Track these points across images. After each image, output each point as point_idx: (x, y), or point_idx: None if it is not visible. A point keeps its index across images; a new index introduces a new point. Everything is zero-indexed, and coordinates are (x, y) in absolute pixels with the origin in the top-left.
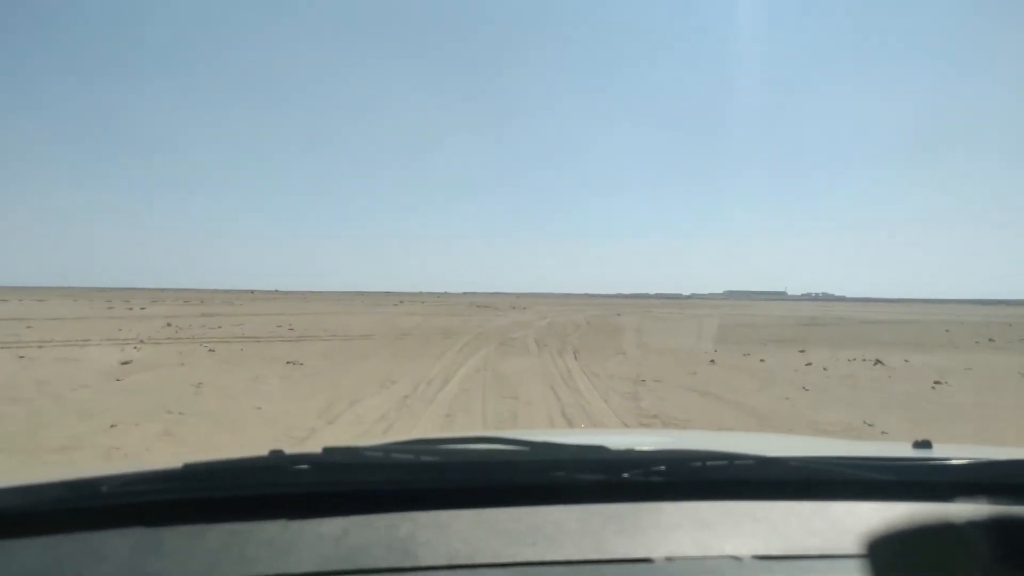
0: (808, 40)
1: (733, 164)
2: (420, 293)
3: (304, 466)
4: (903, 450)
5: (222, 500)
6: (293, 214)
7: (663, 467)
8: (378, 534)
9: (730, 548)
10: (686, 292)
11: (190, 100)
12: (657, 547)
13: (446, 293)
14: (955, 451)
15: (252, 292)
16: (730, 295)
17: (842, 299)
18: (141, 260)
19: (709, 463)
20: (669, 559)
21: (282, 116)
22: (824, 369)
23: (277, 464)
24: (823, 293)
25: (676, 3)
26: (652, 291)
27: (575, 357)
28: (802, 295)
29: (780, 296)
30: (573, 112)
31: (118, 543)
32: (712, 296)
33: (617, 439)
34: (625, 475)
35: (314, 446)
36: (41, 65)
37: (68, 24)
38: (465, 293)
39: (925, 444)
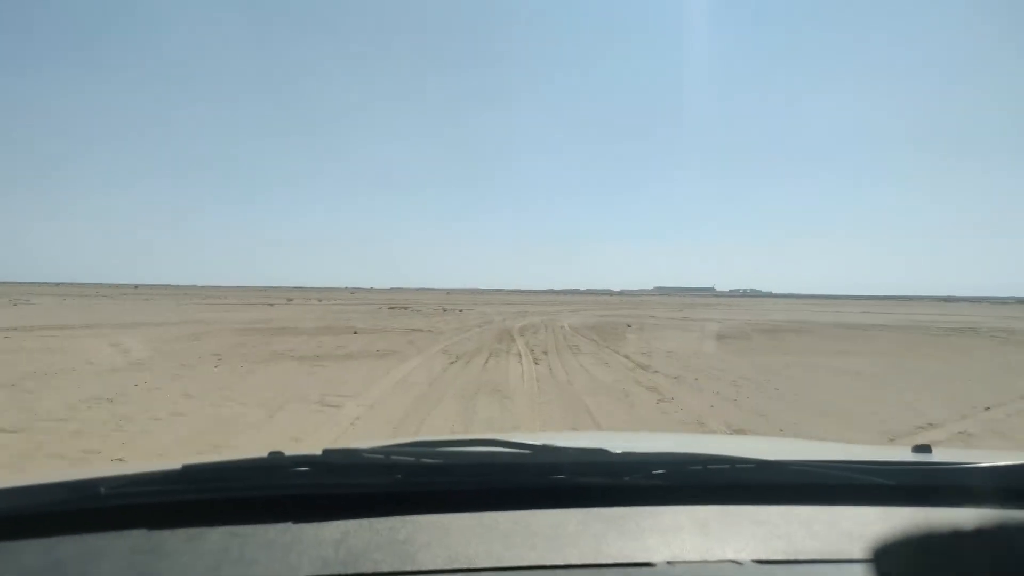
0: (742, 43)
1: (664, 165)
2: (340, 289)
3: (304, 468)
4: (903, 454)
5: (222, 502)
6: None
7: (664, 470)
8: (378, 537)
9: (731, 552)
10: (616, 288)
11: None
12: (658, 551)
13: (372, 288)
14: (955, 455)
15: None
16: (660, 291)
17: (769, 295)
18: None
19: (710, 466)
20: (670, 563)
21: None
22: None
23: (276, 465)
24: (751, 289)
25: (605, 3)
26: (583, 287)
27: None
28: (730, 291)
29: (709, 292)
30: (505, 113)
31: (118, 545)
32: (642, 292)
33: (618, 442)
34: (626, 478)
35: (314, 448)
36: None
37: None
38: (404, 289)
39: (925, 448)
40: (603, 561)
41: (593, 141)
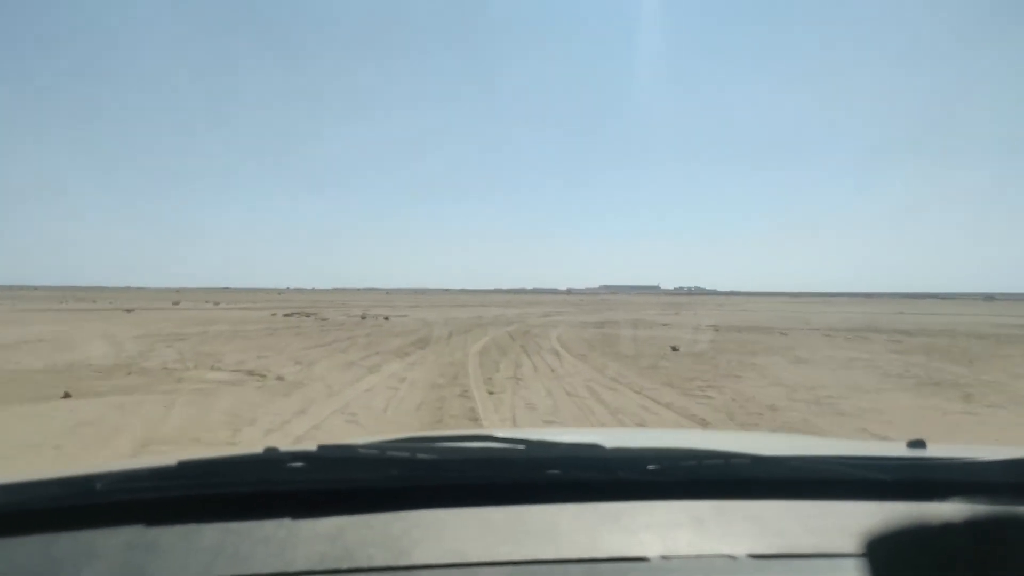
0: (687, 39)
1: (608, 164)
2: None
3: (299, 463)
4: (898, 449)
5: (217, 498)
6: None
7: (658, 465)
8: (374, 532)
9: (726, 547)
10: (562, 287)
11: None
12: (653, 546)
13: (313, 289)
14: (950, 450)
15: None
16: (605, 289)
17: (713, 292)
18: None
19: (705, 461)
20: (665, 558)
21: None
22: None
23: (272, 461)
24: (695, 287)
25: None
26: (530, 286)
27: None
28: (675, 289)
29: (654, 290)
30: (444, 108)
31: (113, 541)
32: (588, 290)
33: (612, 437)
34: (620, 473)
35: (309, 444)
36: None
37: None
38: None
39: (920, 443)
40: (597, 556)
41: (541, 139)
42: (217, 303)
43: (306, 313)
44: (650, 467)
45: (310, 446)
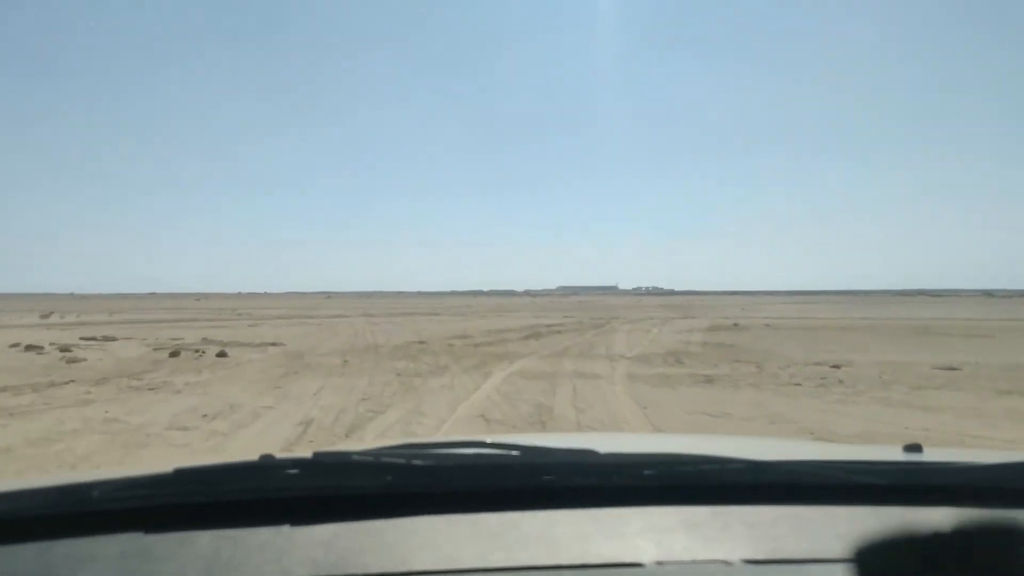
0: (642, 34)
1: (563, 163)
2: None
3: (294, 470)
4: (893, 454)
5: (213, 505)
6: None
7: (653, 471)
8: (368, 539)
9: (721, 552)
10: (519, 289)
11: None
12: (648, 551)
13: (265, 293)
14: (946, 455)
15: None
16: (563, 290)
17: (671, 292)
18: None
19: (700, 467)
20: (660, 563)
21: None
22: None
23: (267, 468)
24: (653, 287)
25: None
26: (485, 288)
27: None
28: (633, 289)
29: (612, 291)
30: (387, 108)
31: (109, 548)
32: (546, 291)
33: (607, 443)
34: (615, 479)
35: (304, 451)
36: None
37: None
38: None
39: (916, 448)
40: (592, 562)
41: (490, 138)
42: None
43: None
44: (645, 472)
45: (305, 453)
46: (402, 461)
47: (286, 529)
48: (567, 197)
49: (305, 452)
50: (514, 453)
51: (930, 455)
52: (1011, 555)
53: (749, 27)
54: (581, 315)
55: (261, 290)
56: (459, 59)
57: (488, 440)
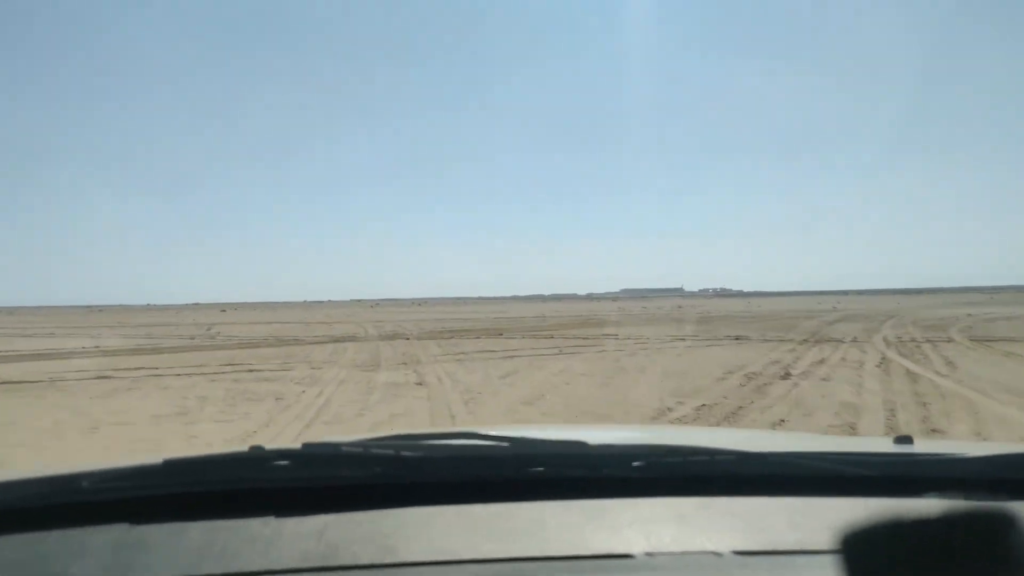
0: (694, 32)
1: (620, 163)
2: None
3: (284, 462)
4: (884, 445)
5: (203, 496)
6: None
7: (643, 462)
8: (359, 530)
9: (710, 543)
10: (581, 292)
11: None
12: (637, 542)
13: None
14: (935, 447)
15: None
16: (626, 293)
17: (739, 293)
18: None
19: (690, 458)
20: (649, 554)
21: None
22: None
23: (257, 459)
24: (720, 288)
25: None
26: (547, 292)
27: None
28: (699, 291)
29: (678, 292)
30: (448, 115)
31: (100, 539)
32: (609, 295)
33: (597, 434)
34: (605, 470)
35: (294, 442)
36: None
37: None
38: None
39: (906, 439)
40: (582, 553)
41: (549, 142)
42: None
43: None
44: (635, 464)
45: (295, 444)
46: (391, 452)
47: (276, 520)
48: (627, 199)
49: (295, 443)
50: (504, 445)
51: (920, 446)
52: (1001, 545)
53: (809, 23)
54: (718, 327)
55: (320, 298)
56: (511, 63)
57: (478, 431)
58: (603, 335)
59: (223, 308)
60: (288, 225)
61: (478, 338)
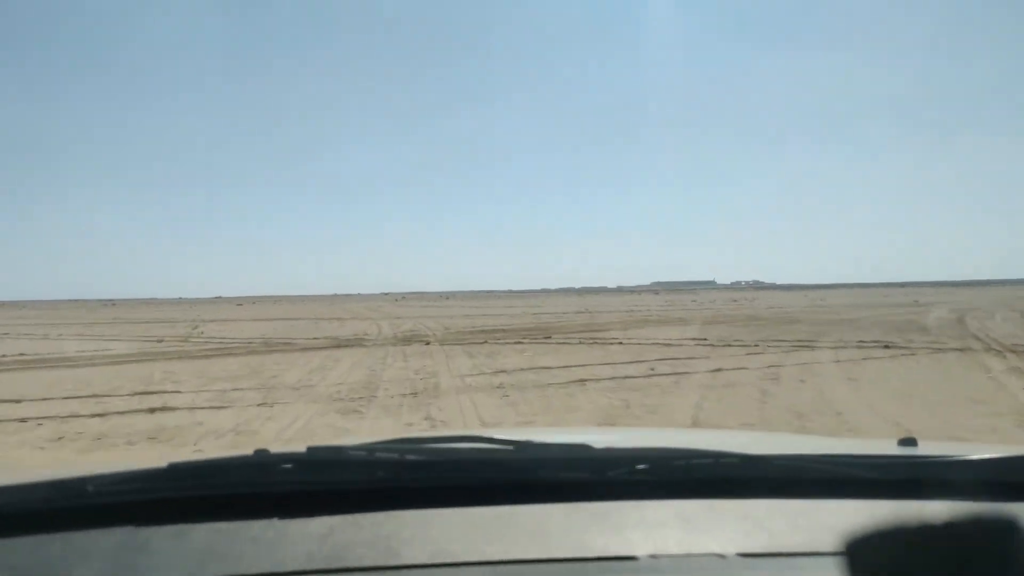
0: (720, 24)
1: (651, 156)
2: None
3: (289, 465)
4: (888, 447)
5: (207, 499)
6: None
7: (647, 465)
8: (363, 532)
9: (715, 546)
10: (611, 285)
11: None
12: (641, 545)
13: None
14: (940, 449)
15: None
16: (658, 286)
17: (772, 286)
18: None
19: (694, 461)
20: (653, 557)
21: None
22: None
23: (262, 463)
24: (753, 281)
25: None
26: (577, 285)
27: None
28: (731, 283)
29: (710, 285)
30: (479, 110)
31: (104, 542)
32: (640, 287)
33: (601, 437)
34: (609, 473)
35: (299, 445)
36: None
37: None
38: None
39: (910, 442)
40: (586, 555)
41: (578, 136)
42: None
43: None
44: (639, 467)
45: (299, 448)
46: (395, 456)
47: (280, 523)
48: (656, 191)
49: (299, 446)
50: (508, 448)
51: (924, 448)
52: (1006, 548)
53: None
54: (832, 331)
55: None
56: (540, 60)
57: (483, 435)
58: (698, 340)
59: (240, 302)
60: (319, 221)
61: (520, 343)
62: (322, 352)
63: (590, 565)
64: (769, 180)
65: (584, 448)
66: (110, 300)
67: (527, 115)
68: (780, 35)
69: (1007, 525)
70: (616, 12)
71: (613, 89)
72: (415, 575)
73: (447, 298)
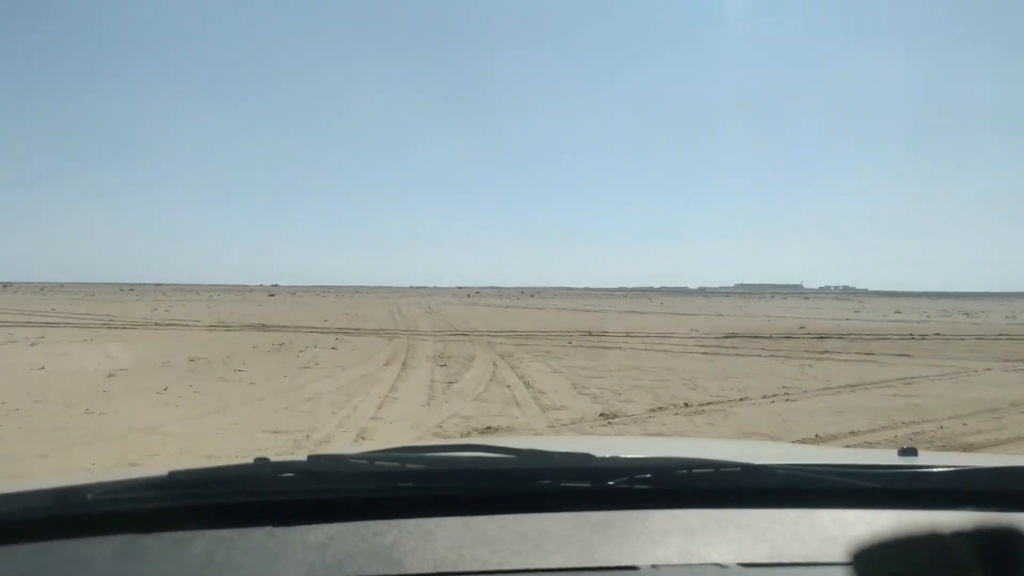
0: (802, 23)
1: (737, 156)
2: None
3: (289, 474)
4: (889, 458)
5: (208, 507)
6: None
7: (649, 475)
8: (364, 542)
9: (716, 556)
10: (693, 286)
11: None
12: (643, 555)
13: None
14: (940, 459)
15: None
16: (741, 288)
17: (864, 292)
18: None
19: (695, 471)
20: (655, 567)
21: None
22: None
23: (262, 472)
24: (843, 287)
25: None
26: (656, 285)
27: None
28: (820, 288)
29: (797, 290)
30: (562, 114)
31: (104, 551)
32: (723, 290)
33: (603, 446)
34: (611, 483)
35: (300, 454)
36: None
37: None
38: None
39: (911, 452)
40: (588, 565)
41: (664, 136)
42: None
43: None
44: (641, 476)
45: (300, 456)
46: (397, 465)
47: (281, 531)
48: (740, 192)
49: (300, 456)
50: (510, 457)
51: (925, 458)
52: (1008, 558)
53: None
54: None
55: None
56: (623, 57)
57: (484, 443)
58: None
59: (271, 292)
60: (403, 216)
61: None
62: None
63: (592, 575)
64: (861, 186)
65: (586, 457)
66: (174, 284)
67: (606, 114)
68: (880, 31)
69: (1011, 535)
70: (697, 7)
71: (695, 87)
72: None
73: (533, 295)
